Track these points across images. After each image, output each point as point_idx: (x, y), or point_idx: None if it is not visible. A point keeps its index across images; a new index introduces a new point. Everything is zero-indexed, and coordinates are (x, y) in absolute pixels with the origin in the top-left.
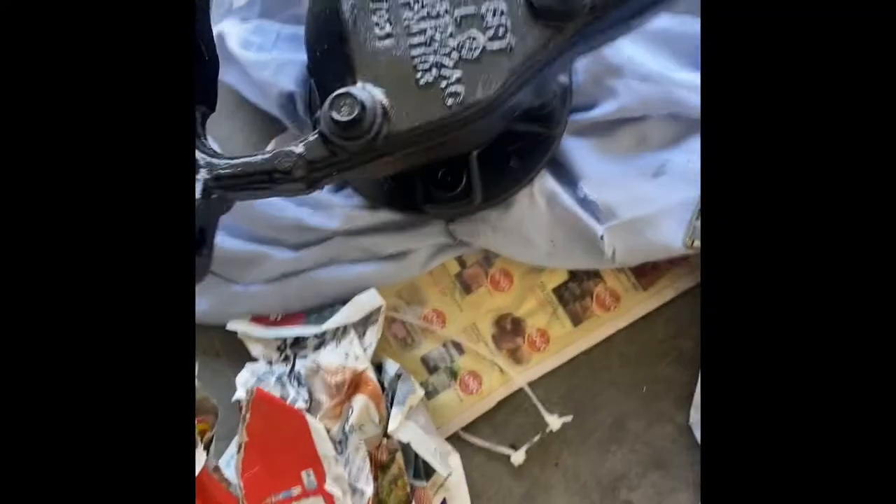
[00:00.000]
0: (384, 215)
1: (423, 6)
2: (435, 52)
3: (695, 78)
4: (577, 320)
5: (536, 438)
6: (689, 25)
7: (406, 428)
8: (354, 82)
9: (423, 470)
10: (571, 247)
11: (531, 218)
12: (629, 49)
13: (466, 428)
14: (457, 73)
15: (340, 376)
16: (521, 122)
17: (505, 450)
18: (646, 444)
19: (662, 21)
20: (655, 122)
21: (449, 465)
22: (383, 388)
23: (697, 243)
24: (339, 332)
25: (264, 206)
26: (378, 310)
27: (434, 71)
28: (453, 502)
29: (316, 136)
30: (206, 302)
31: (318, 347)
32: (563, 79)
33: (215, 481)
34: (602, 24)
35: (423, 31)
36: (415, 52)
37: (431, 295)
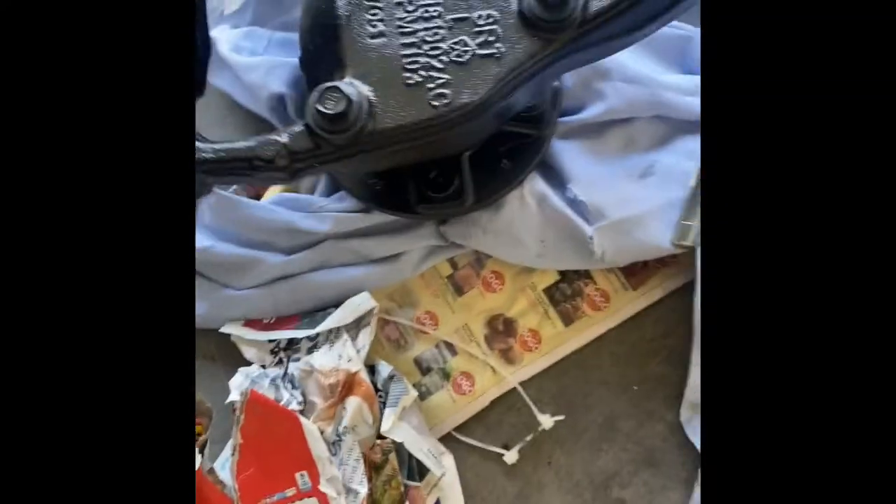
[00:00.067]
0: (375, 218)
1: (416, 7)
2: (425, 54)
3: (680, 80)
4: (568, 320)
5: (529, 438)
6: (674, 28)
7: (399, 428)
8: (343, 77)
9: (416, 470)
10: (562, 247)
11: (522, 219)
12: None
13: (459, 428)
14: (445, 76)
15: (334, 378)
16: (512, 124)
17: (498, 449)
18: (637, 442)
19: None
20: (642, 123)
21: (442, 465)
22: (376, 390)
23: (685, 243)
24: (332, 335)
25: (256, 210)
26: (370, 312)
27: (423, 72)
28: (447, 502)
29: (301, 127)
30: (200, 306)
31: (311, 350)
32: (554, 82)
33: (210, 484)
34: (594, 38)
35: (415, 32)
36: (405, 51)
37: (424, 297)
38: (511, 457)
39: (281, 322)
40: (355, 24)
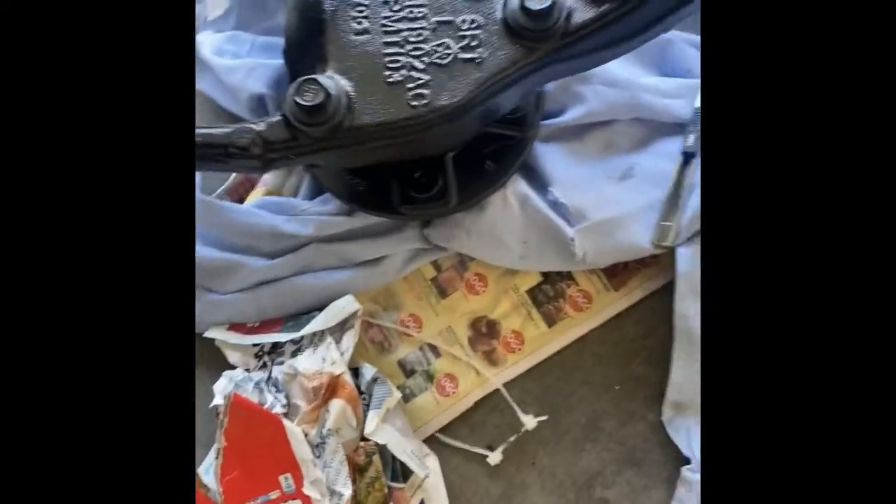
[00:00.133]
0: (358, 221)
1: (402, 8)
2: (407, 54)
3: (659, 83)
4: (550, 321)
5: (513, 439)
6: None
7: (383, 430)
8: (325, 72)
9: (400, 472)
10: (544, 249)
11: (505, 221)
12: None
13: (443, 429)
14: (425, 77)
15: (317, 381)
16: (496, 126)
17: (482, 450)
18: (619, 442)
19: None
20: (622, 126)
21: (426, 467)
22: (360, 392)
23: (665, 243)
24: (316, 338)
25: (238, 214)
26: (354, 314)
27: (403, 71)
28: (431, 503)
29: (278, 117)
30: None
31: (295, 353)
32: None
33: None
34: (577, 50)
35: (399, 32)
36: (388, 50)
37: (407, 299)
38: (495, 458)
39: (265, 326)
40: (340, 20)
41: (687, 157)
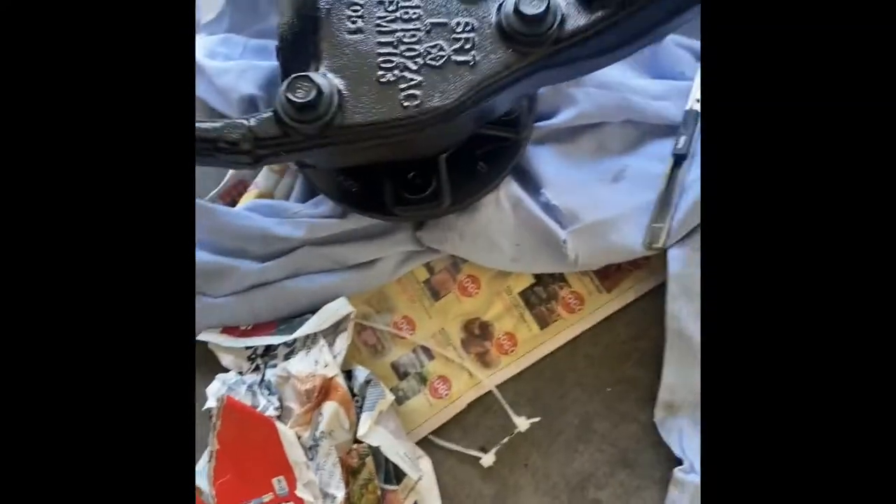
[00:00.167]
0: (351, 224)
1: (397, 8)
2: (401, 54)
3: (650, 85)
4: (543, 323)
5: (506, 440)
6: None
7: (376, 433)
8: (318, 69)
9: (393, 474)
10: (536, 251)
11: (497, 223)
12: None
13: (436, 431)
14: (418, 77)
15: (310, 383)
16: (490, 127)
17: (475, 452)
18: (612, 443)
19: None
20: (614, 128)
21: (419, 469)
22: (353, 395)
23: (656, 245)
24: (309, 340)
25: (230, 217)
26: (347, 317)
27: (396, 71)
28: None
29: (269, 113)
30: None
31: (288, 356)
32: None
33: None
34: (569, 56)
35: (393, 32)
36: (381, 49)
37: (400, 302)
38: (488, 459)
39: (258, 329)
40: (335, 19)
41: (677, 158)
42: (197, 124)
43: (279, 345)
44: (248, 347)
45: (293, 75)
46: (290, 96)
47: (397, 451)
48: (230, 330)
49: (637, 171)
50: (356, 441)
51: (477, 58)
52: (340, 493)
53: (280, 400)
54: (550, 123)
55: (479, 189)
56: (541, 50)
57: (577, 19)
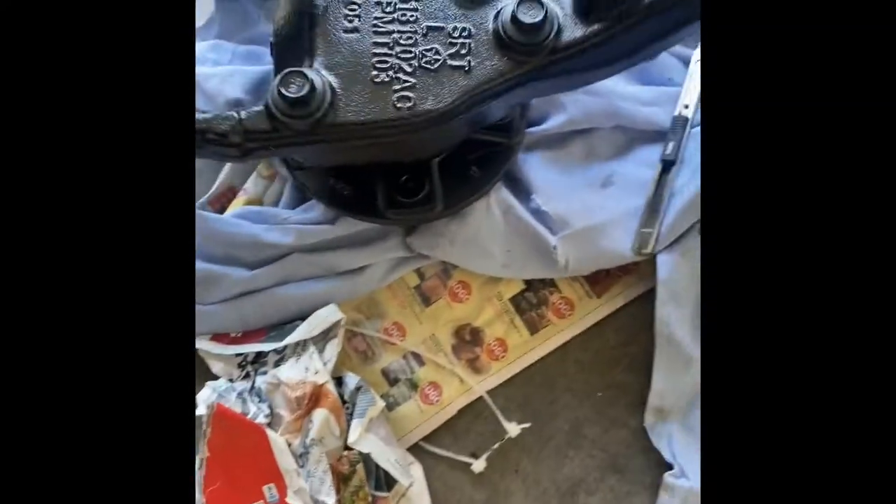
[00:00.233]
0: (340, 230)
1: (395, 10)
2: (396, 56)
3: (638, 91)
4: (533, 329)
5: (496, 446)
6: None
7: (366, 439)
8: (311, 66)
9: (384, 480)
10: (527, 257)
11: (488, 229)
12: None
13: (427, 438)
14: (412, 80)
15: (301, 391)
16: (483, 132)
17: (466, 458)
18: (602, 449)
19: None
20: (603, 134)
21: (410, 475)
22: (343, 401)
23: (646, 250)
24: (299, 347)
25: (219, 224)
26: (337, 324)
27: (391, 72)
28: None
29: (261, 107)
30: None
31: (278, 363)
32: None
33: None
34: (565, 67)
35: (390, 33)
36: (377, 50)
37: (391, 308)
38: (479, 465)
39: (248, 336)
40: (332, 16)
41: (666, 164)
42: None
43: (269, 352)
44: (238, 354)
45: (287, 70)
46: (283, 90)
47: (388, 457)
48: (220, 337)
49: (626, 177)
50: (347, 448)
51: (472, 63)
52: (331, 501)
53: (270, 407)
54: (540, 129)
55: (471, 193)
56: (536, 59)
57: (573, 31)
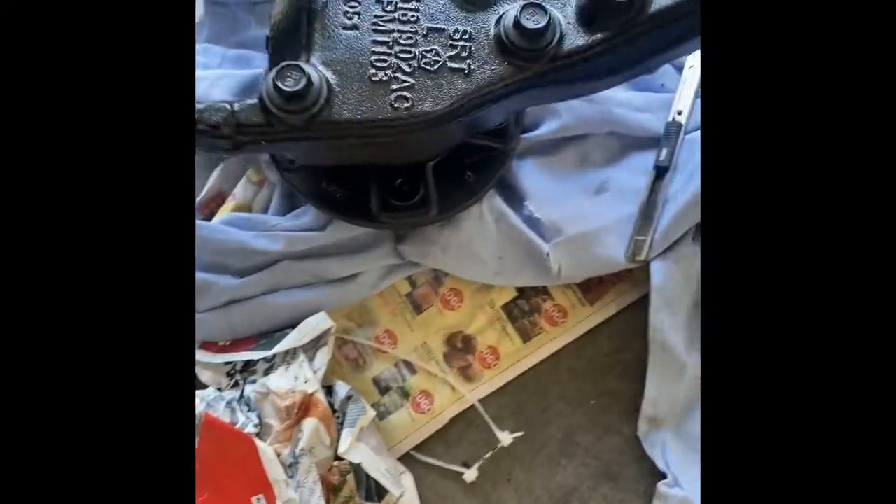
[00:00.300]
0: (331, 237)
1: (395, 9)
2: (395, 55)
3: (632, 97)
4: (526, 337)
5: (488, 455)
6: None
7: (357, 449)
8: (308, 61)
9: (375, 491)
10: (519, 264)
11: (480, 236)
12: None
13: (419, 447)
14: (411, 80)
15: (290, 400)
16: (478, 137)
17: (458, 468)
18: (595, 457)
19: None
20: (597, 140)
21: (401, 485)
22: (334, 411)
23: (639, 258)
24: (289, 356)
25: (207, 231)
26: (328, 332)
27: (389, 71)
28: None
29: (254, 100)
30: None
31: (267, 371)
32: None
33: None
34: (566, 76)
35: (389, 32)
36: (375, 48)
37: (382, 316)
38: (471, 475)
39: (237, 344)
40: (331, 12)
41: (660, 171)
42: None
43: (259, 360)
44: (227, 363)
45: (284, 63)
46: (279, 83)
47: (379, 467)
48: (209, 345)
49: (620, 184)
50: (337, 458)
51: (472, 67)
52: None
53: (259, 416)
54: (534, 135)
55: (466, 198)
56: (537, 66)
57: (576, 39)
